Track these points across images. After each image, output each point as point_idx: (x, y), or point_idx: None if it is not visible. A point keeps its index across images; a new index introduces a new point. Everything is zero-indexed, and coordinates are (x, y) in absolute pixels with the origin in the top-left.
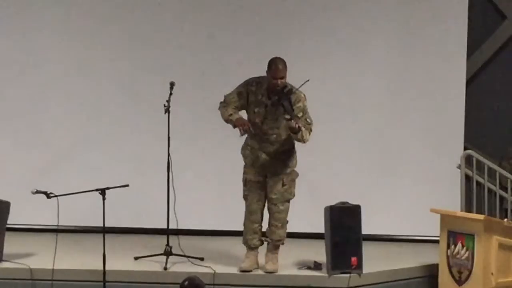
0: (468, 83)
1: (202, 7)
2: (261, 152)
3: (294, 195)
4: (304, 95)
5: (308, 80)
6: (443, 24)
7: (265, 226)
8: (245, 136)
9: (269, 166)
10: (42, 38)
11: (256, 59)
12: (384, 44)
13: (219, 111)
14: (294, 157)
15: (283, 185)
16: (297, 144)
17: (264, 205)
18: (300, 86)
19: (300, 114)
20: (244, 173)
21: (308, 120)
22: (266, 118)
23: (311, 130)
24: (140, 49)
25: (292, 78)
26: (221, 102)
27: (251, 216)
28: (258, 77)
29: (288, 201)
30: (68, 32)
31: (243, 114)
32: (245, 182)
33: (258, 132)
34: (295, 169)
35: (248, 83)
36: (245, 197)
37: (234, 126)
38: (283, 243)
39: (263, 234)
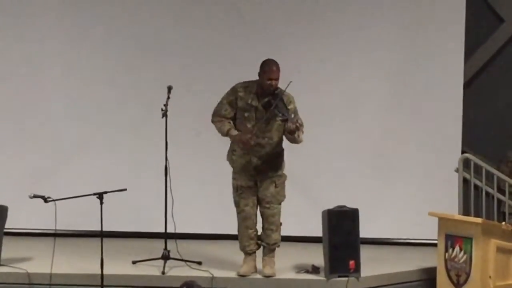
0: (466, 86)
1: (200, 8)
2: (253, 156)
3: (285, 197)
4: (293, 97)
5: (291, 82)
6: (441, 27)
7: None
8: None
9: (261, 170)
10: (40, 41)
11: (252, 61)
12: (382, 47)
13: (214, 125)
14: (283, 159)
15: (275, 187)
16: (294, 147)
17: (256, 210)
18: (286, 88)
19: (292, 116)
20: (234, 179)
21: (299, 121)
22: (256, 122)
23: (303, 132)
24: (137, 53)
25: (291, 77)
26: (214, 116)
27: (245, 222)
28: (244, 82)
29: (280, 203)
30: (67, 35)
31: None
32: (236, 188)
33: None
34: (284, 172)
35: (235, 90)
36: (236, 203)
37: (233, 141)
38: (278, 246)
39: (258, 237)
